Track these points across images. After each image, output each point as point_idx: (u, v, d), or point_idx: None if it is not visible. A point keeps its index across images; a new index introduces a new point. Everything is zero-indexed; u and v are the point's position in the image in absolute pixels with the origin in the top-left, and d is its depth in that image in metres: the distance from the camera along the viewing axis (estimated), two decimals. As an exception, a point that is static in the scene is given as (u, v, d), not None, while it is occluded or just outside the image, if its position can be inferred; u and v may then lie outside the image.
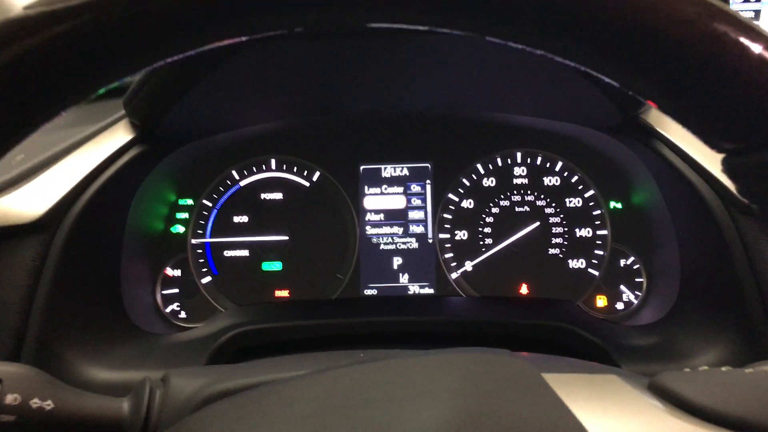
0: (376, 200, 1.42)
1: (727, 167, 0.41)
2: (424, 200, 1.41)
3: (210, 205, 1.39)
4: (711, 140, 0.40)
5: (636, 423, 0.38)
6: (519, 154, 1.40)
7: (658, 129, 1.09)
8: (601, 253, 1.37)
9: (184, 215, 1.39)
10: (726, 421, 0.36)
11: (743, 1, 1.40)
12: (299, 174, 1.41)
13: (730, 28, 0.35)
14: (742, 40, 0.35)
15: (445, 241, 1.40)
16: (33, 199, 0.98)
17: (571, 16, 0.36)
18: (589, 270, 1.37)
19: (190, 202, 1.39)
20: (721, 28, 0.35)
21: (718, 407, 0.37)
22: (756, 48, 0.35)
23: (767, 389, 0.39)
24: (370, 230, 1.41)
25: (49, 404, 0.57)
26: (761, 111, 0.36)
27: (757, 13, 1.41)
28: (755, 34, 0.36)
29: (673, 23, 0.35)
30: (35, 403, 0.57)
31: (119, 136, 1.09)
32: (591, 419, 0.36)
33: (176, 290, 1.37)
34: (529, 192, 1.39)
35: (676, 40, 0.35)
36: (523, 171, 1.40)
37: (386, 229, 1.41)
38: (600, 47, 0.37)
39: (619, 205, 1.37)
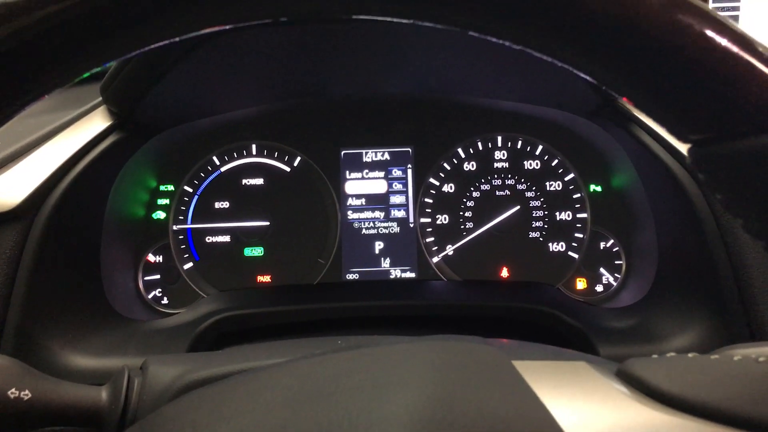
0: (358, 185, 1.42)
1: (693, 158, 0.41)
2: (405, 185, 1.42)
3: (191, 191, 1.39)
4: (677, 131, 0.41)
5: (602, 409, 0.38)
6: (500, 138, 1.41)
7: (635, 113, 1.10)
8: (580, 236, 1.38)
9: (165, 201, 1.38)
10: (689, 406, 0.37)
11: None
12: (280, 159, 1.41)
13: (695, 20, 0.35)
14: (707, 32, 0.36)
15: (427, 225, 1.41)
16: (10, 187, 0.97)
17: (541, 9, 0.37)
18: (569, 253, 1.38)
19: (171, 188, 1.39)
20: (685, 19, 0.35)
21: (682, 393, 0.38)
22: (721, 40, 0.36)
23: (730, 374, 0.39)
24: (351, 215, 1.41)
25: (27, 394, 0.57)
26: (726, 103, 0.37)
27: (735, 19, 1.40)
28: (720, 27, 0.36)
29: (637, 14, 0.35)
30: (13, 393, 0.57)
31: (97, 122, 1.09)
32: (558, 406, 0.37)
33: (158, 276, 1.36)
34: (509, 176, 1.40)
35: (641, 31, 0.36)
36: (503, 155, 1.40)
37: (368, 214, 1.41)
38: (567, 39, 0.38)
39: (598, 188, 1.38)
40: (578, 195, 1.39)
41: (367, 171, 1.42)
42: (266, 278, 1.38)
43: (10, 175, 0.98)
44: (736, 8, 1.35)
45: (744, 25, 1.34)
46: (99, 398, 0.62)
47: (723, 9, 1.34)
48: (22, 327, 0.94)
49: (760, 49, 0.36)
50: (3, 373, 0.58)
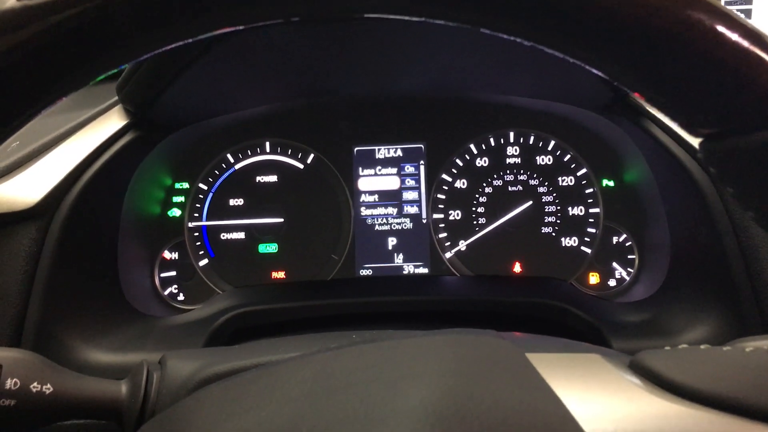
0: (371, 181, 1.42)
1: (704, 152, 0.42)
2: (417, 181, 1.42)
3: (206, 188, 1.40)
4: (688, 126, 0.41)
5: (615, 400, 0.39)
6: (512, 134, 1.41)
7: (647, 108, 1.10)
8: (593, 230, 1.38)
9: (181, 199, 1.39)
10: (701, 397, 0.37)
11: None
12: (293, 156, 1.42)
13: (704, 15, 0.36)
14: (718, 27, 0.36)
15: (439, 221, 1.41)
16: (29, 186, 0.98)
17: (552, 6, 0.37)
18: (582, 248, 1.38)
19: (186, 185, 1.40)
20: (695, 15, 0.36)
21: (694, 384, 0.38)
22: (732, 35, 0.36)
23: (741, 366, 0.40)
24: (364, 211, 1.42)
25: (48, 388, 0.59)
26: (735, 97, 0.37)
27: (748, 12, 1.39)
28: (731, 22, 0.36)
29: (648, 10, 0.36)
30: (35, 387, 0.58)
31: (113, 121, 1.10)
32: (572, 397, 0.37)
33: (174, 273, 1.38)
34: (522, 171, 1.40)
35: (652, 27, 0.36)
36: (516, 150, 1.40)
37: (381, 210, 1.42)
38: (577, 36, 0.38)
39: (611, 183, 1.38)
40: (591, 190, 1.39)
41: (379, 167, 1.43)
42: (280, 274, 1.39)
43: (28, 174, 1.00)
44: (749, 0, 1.34)
45: (757, 21, 1.33)
46: (119, 392, 0.63)
47: (736, 2, 1.33)
48: (41, 323, 0.95)
49: None
50: (25, 368, 0.59)
